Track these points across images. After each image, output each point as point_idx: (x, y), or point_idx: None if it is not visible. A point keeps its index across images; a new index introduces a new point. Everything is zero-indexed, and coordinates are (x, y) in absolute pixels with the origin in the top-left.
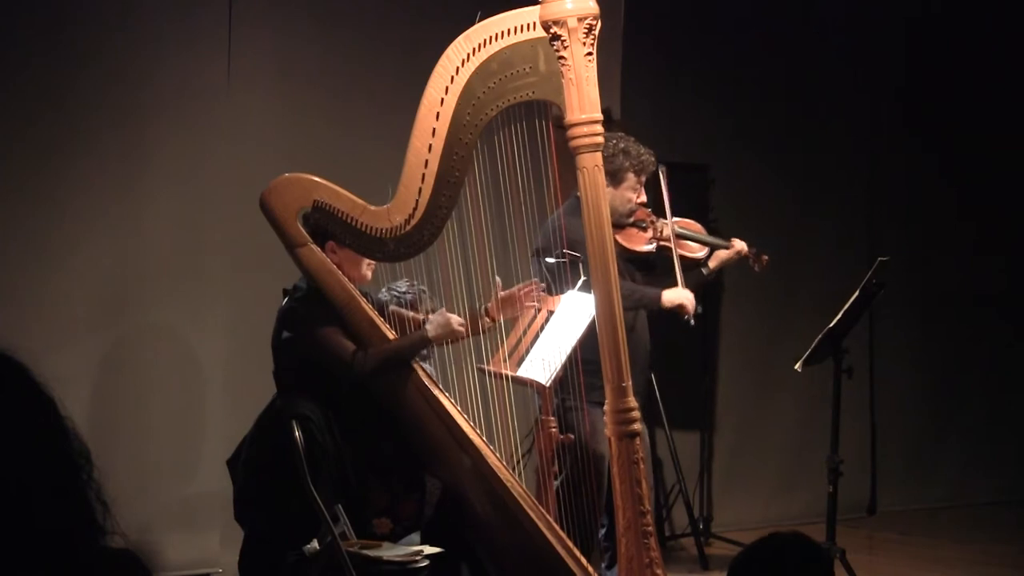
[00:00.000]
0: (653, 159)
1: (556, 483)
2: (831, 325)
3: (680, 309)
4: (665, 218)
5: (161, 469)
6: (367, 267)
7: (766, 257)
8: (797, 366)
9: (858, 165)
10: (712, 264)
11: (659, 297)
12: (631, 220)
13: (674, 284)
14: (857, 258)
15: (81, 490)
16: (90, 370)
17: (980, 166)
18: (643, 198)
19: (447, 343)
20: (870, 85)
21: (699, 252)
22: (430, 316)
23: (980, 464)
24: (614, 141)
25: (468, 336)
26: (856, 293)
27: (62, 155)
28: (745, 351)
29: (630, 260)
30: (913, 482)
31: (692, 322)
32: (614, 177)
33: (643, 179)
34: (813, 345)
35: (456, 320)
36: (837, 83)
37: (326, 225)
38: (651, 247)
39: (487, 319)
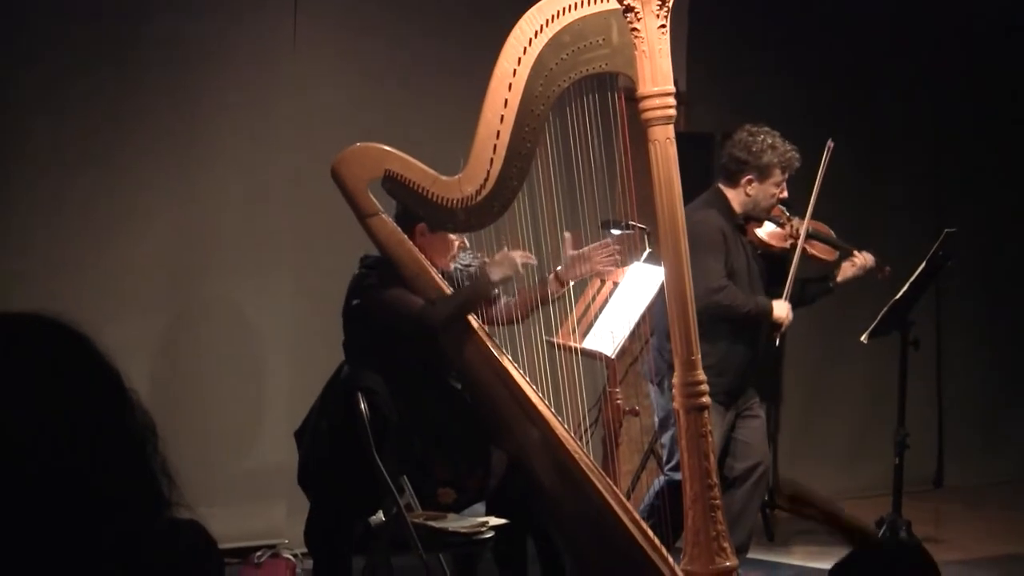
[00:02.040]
0: (798, 155)
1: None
2: (897, 297)
3: (781, 324)
4: (800, 216)
5: (227, 440)
6: (451, 258)
7: (888, 269)
8: (863, 338)
9: (925, 137)
10: (839, 279)
11: (770, 309)
12: (768, 216)
13: (784, 286)
14: (924, 230)
15: (146, 462)
16: (154, 341)
17: None
18: (785, 194)
19: (518, 315)
20: (939, 56)
21: (831, 256)
22: (494, 257)
23: None
24: (762, 136)
25: (536, 299)
26: (922, 265)
27: (125, 123)
28: (812, 323)
29: (763, 256)
30: (980, 455)
31: (777, 342)
32: (761, 172)
33: (787, 175)
34: (879, 317)
35: (520, 255)
36: (905, 54)
37: (397, 195)
38: (787, 244)
39: (556, 284)
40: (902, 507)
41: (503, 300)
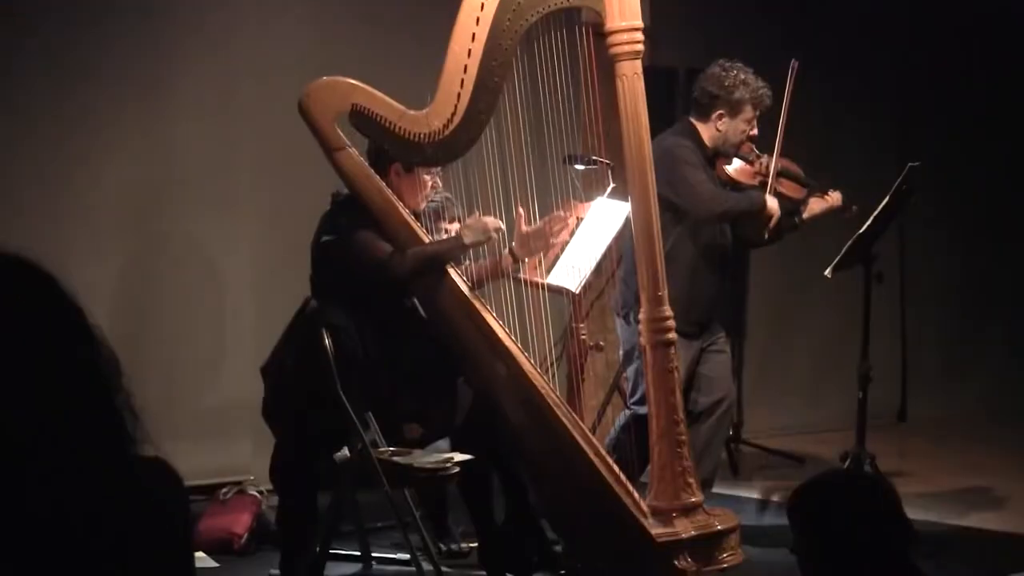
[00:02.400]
0: (769, 92)
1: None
2: (861, 231)
3: (772, 217)
4: (768, 154)
5: (192, 377)
6: (424, 197)
7: (855, 207)
8: (827, 272)
9: (891, 69)
10: (805, 216)
11: (763, 201)
12: (738, 152)
13: (760, 225)
14: (888, 163)
15: (111, 399)
16: (120, 279)
17: (1017, 64)
18: (755, 131)
19: (483, 250)
20: None
21: (799, 194)
22: (466, 221)
23: (1013, 370)
24: (735, 72)
25: (489, 273)
26: (886, 199)
27: (82, 63)
28: (775, 257)
29: (732, 192)
30: (944, 388)
31: (766, 236)
32: (732, 107)
33: (758, 112)
34: (843, 251)
35: (492, 223)
36: None
37: (364, 129)
38: (755, 181)
39: (509, 259)
40: (866, 441)
41: (464, 264)
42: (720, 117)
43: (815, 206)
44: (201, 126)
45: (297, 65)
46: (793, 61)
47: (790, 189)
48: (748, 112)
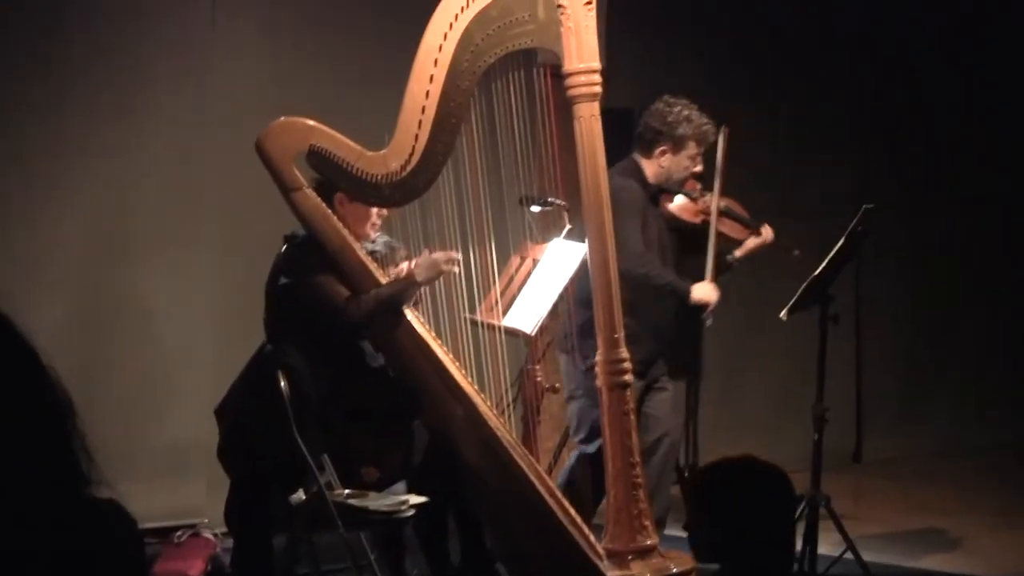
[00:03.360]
0: (714, 129)
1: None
2: (816, 273)
3: (707, 305)
4: (711, 191)
5: (147, 419)
6: (371, 226)
7: (798, 252)
8: (783, 314)
9: (849, 112)
10: (739, 253)
11: (689, 291)
12: (682, 189)
13: (704, 263)
14: (846, 205)
15: (64, 440)
16: (74, 320)
17: (972, 114)
18: (699, 168)
19: (439, 284)
20: (861, 32)
21: (742, 235)
22: (417, 260)
23: (968, 411)
24: (679, 108)
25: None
26: (841, 241)
27: (41, 100)
28: (731, 298)
29: (673, 229)
30: (900, 430)
31: (710, 322)
32: (675, 143)
33: (702, 148)
34: (799, 293)
35: (442, 257)
36: (828, 28)
37: (322, 170)
38: (697, 219)
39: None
40: (821, 482)
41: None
42: (663, 153)
43: (749, 243)
44: (161, 165)
45: (255, 107)
46: (724, 127)
47: (733, 230)
48: (692, 148)
